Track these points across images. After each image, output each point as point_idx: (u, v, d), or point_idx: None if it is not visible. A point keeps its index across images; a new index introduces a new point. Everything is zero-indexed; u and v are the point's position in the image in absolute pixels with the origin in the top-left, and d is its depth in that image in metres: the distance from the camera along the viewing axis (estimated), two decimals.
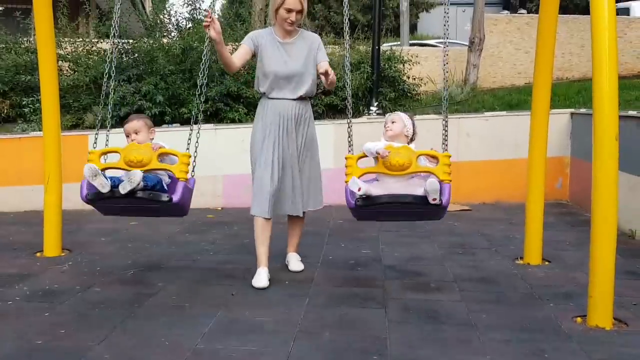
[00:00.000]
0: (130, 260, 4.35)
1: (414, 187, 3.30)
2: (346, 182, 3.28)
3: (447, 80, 3.54)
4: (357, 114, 7.19)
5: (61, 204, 4.53)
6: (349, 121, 3.51)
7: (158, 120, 6.84)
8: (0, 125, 7.33)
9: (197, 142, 3.57)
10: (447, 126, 3.40)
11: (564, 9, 15.22)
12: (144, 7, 13.78)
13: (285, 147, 3.77)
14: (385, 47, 8.54)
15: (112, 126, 3.80)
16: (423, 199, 3.20)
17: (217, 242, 4.95)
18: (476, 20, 9.40)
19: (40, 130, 5.51)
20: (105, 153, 3.54)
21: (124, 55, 7.48)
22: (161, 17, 8.61)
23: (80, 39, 7.80)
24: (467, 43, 10.30)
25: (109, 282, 3.82)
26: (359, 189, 3.21)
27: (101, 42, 7.69)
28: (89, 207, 3.61)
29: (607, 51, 3.03)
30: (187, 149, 3.52)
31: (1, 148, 6.45)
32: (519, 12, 11.21)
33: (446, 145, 3.37)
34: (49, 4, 4.39)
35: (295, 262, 4.08)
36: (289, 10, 3.68)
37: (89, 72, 7.14)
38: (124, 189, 3.30)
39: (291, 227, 4.09)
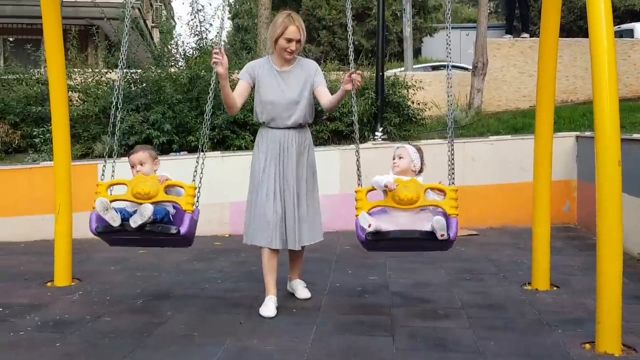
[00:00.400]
0: (139, 289, 4.38)
1: (421, 222, 3.36)
2: (356, 215, 3.33)
3: (452, 105, 3.58)
4: (363, 139, 7.24)
5: (71, 233, 4.58)
6: (356, 151, 3.54)
7: (166, 149, 6.92)
8: (11, 156, 7.44)
9: (201, 173, 3.52)
10: (452, 153, 3.42)
11: (567, 32, 15.37)
12: (152, 38, 14.00)
13: (287, 176, 3.78)
14: (389, 73, 8.63)
15: (121, 154, 3.84)
16: (431, 234, 3.26)
17: (225, 270, 4.97)
18: (479, 45, 9.47)
19: (50, 160, 5.59)
20: (112, 185, 3.56)
21: (132, 85, 7.61)
22: (168, 47, 8.75)
23: (90, 70, 7.93)
24: (470, 67, 10.39)
25: (118, 311, 3.85)
26: (369, 225, 3.26)
27: (110, 73, 7.81)
28: None
29: (607, 75, 3.05)
30: (193, 180, 3.51)
31: (12, 178, 6.54)
32: (521, 35, 11.22)
33: (452, 177, 3.40)
34: (60, 35, 4.49)
35: (302, 290, 4.08)
36: (289, 40, 3.72)
37: (98, 102, 7.26)
38: (134, 222, 3.31)
39: (291, 258, 4.08)
